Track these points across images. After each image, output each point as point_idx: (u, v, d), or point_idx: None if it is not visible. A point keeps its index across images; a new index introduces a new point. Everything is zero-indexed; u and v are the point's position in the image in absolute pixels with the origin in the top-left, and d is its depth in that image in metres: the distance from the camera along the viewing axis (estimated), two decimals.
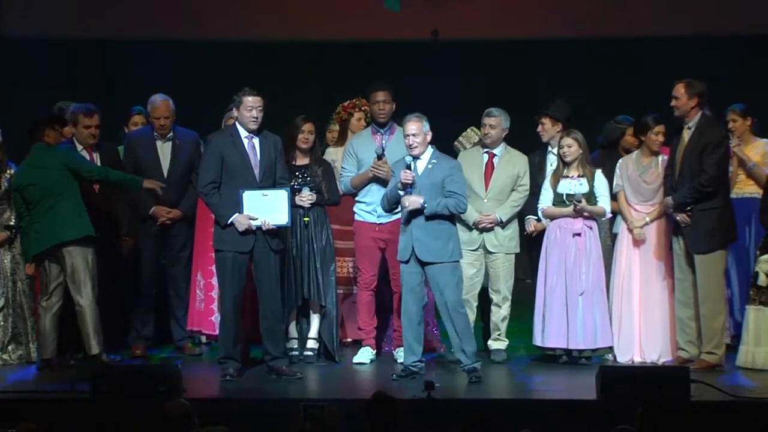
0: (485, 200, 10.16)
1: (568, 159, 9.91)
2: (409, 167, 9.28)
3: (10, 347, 10.01)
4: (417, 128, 9.32)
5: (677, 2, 14.35)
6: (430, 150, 9.41)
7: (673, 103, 9.65)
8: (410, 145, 9.32)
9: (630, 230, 9.96)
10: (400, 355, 9.84)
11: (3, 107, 10.37)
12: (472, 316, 10.16)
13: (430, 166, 9.36)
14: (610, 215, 10.03)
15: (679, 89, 9.63)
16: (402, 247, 9.37)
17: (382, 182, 9.91)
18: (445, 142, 10.53)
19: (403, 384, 9.16)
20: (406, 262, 9.35)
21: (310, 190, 9.86)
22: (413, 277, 9.36)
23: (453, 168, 9.41)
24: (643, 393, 8.09)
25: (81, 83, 13.29)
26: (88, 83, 13.30)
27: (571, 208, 9.86)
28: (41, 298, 9.75)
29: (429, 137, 9.40)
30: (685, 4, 14.31)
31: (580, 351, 9.86)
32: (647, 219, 9.93)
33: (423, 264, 9.31)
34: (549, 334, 9.89)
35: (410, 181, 9.24)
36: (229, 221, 9.28)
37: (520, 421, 7.40)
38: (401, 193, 9.30)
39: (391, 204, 9.44)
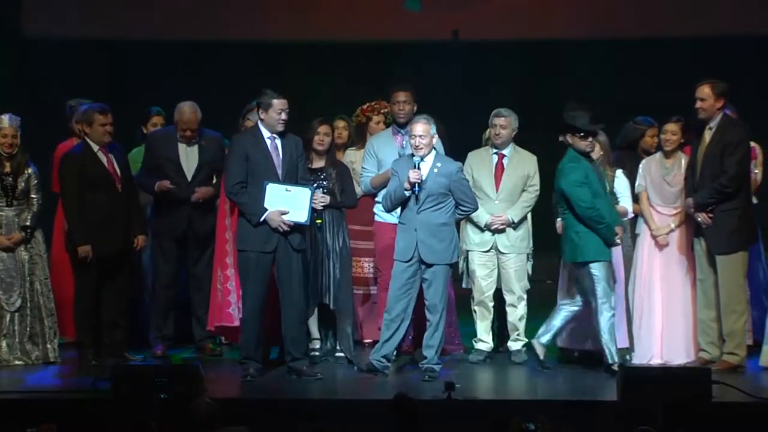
0: (496, 201, 10.15)
1: None
2: (416, 167, 9.31)
3: (27, 348, 10.00)
4: (424, 130, 9.36)
5: (698, 2, 14.31)
6: (433, 152, 9.43)
7: (699, 105, 9.55)
8: (417, 146, 9.35)
9: (652, 235, 9.91)
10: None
11: (23, 107, 10.35)
12: (489, 316, 10.17)
13: (435, 169, 9.38)
14: (632, 215, 10.00)
15: (705, 90, 9.53)
16: (403, 247, 9.40)
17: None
18: (463, 143, 10.53)
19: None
20: (407, 261, 9.37)
21: (323, 193, 9.84)
22: (406, 275, 9.38)
23: (458, 171, 9.46)
24: (664, 394, 8.08)
25: (97, 83, 13.26)
26: (104, 83, 13.29)
27: None
28: None
29: (435, 140, 9.45)
30: (706, 4, 14.27)
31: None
32: (672, 225, 9.87)
33: (422, 264, 9.36)
34: (569, 334, 9.89)
35: (419, 180, 9.27)
36: (262, 218, 9.28)
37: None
38: (407, 192, 9.32)
39: (396, 204, 9.45)
